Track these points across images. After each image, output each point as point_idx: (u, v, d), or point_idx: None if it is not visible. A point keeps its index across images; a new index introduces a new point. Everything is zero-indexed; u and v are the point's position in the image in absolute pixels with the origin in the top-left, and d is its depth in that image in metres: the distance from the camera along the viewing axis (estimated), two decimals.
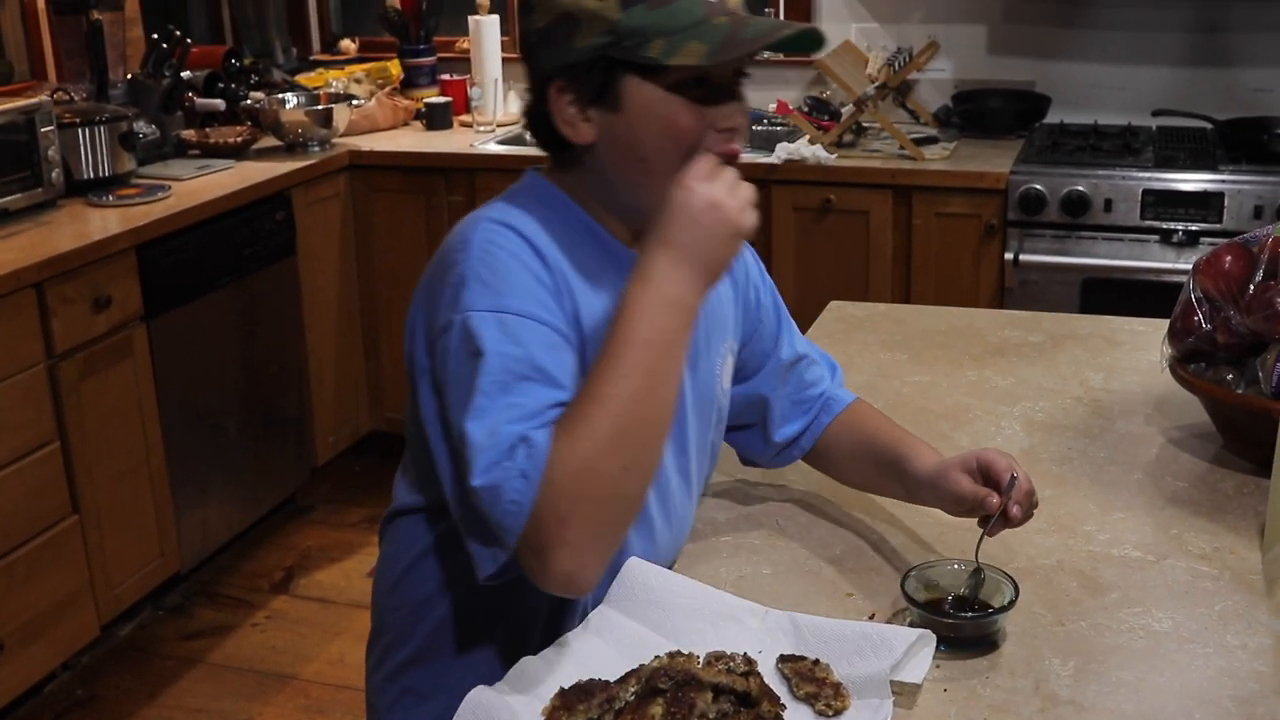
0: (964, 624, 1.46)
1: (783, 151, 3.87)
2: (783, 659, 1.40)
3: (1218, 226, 3.56)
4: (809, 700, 1.33)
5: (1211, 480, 1.86)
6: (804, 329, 2.50)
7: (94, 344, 3.23)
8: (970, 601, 1.49)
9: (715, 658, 1.37)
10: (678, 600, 1.49)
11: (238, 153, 4.11)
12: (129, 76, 4.08)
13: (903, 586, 1.49)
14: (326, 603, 3.77)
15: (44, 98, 3.51)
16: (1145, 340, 2.37)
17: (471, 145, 4.21)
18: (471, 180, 4.10)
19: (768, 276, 1.81)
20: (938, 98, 4.40)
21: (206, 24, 4.97)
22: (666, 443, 1.44)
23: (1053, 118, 4.24)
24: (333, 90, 4.59)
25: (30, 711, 3.27)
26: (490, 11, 4.60)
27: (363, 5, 5.34)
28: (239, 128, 4.25)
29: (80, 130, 3.60)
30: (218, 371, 3.74)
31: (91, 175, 3.64)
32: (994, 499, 1.51)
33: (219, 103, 4.28)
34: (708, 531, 1.76)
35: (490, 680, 1.37)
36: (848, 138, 4.05)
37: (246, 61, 4.65)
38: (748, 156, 3.98)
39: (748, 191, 1.41)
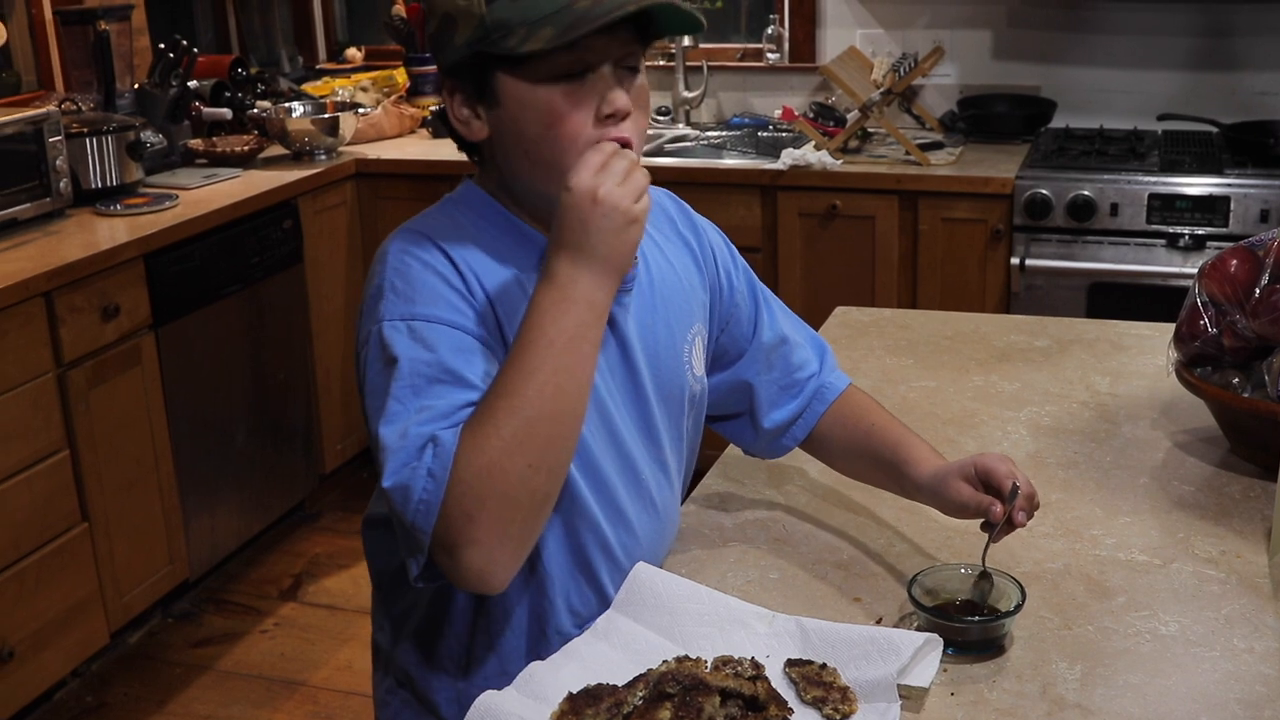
0: (971, 628, 1.46)
1: (788, 158, 3.88)
2: (790, 663, 1.40)
3: (1223, 230, 3.56)
4: (816, 704, 1.34)
5: (1218, 484, 1.87)
6: None
7: (103, 352, 3.24)
8: (977, 605, 1.50)
9: (723, 662, 1.38)
10: (685, 605, 1.50)
11: (245, 161, 4.12)
12: (136, 86, 4.10)
13: (910, 591, 1.49)
14: (335, 609, 3.78)
15: (52, 108, 3.53)
16: (1151, 344, 2.37)
17: None
18: None
19: (740, 259, 1.78)
20: (943, 103, 4.41)
21: (213, 33, 4.98)
22: (608, 444, 1.50)
23: (1058, 122, 4.24)
24: (339, 99, 4.60)
25: (40, 719, 3.28)
26: None
27: (368, 14, 5.36)
28: (246, 137, 4.26)
29: (88, 140, 3.62)
30: (226, 379, 3.75)
31: (99, 185, 3.65)
32: (997, 507, 1.51)
33: (226, 112, 4.30)
34: (715, 537, 1.76)
35: (482, 688, 1.39)
36: (853, 143, 4.05)
37: (253, 70, 4.68)
38: (753, 163, 4.00)
39: (639, 178, 1.38)
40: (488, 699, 1.33)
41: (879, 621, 1.53)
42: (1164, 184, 3.63)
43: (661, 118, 4.61)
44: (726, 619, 1.48)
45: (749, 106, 4.66)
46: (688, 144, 4.42)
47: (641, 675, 1.35)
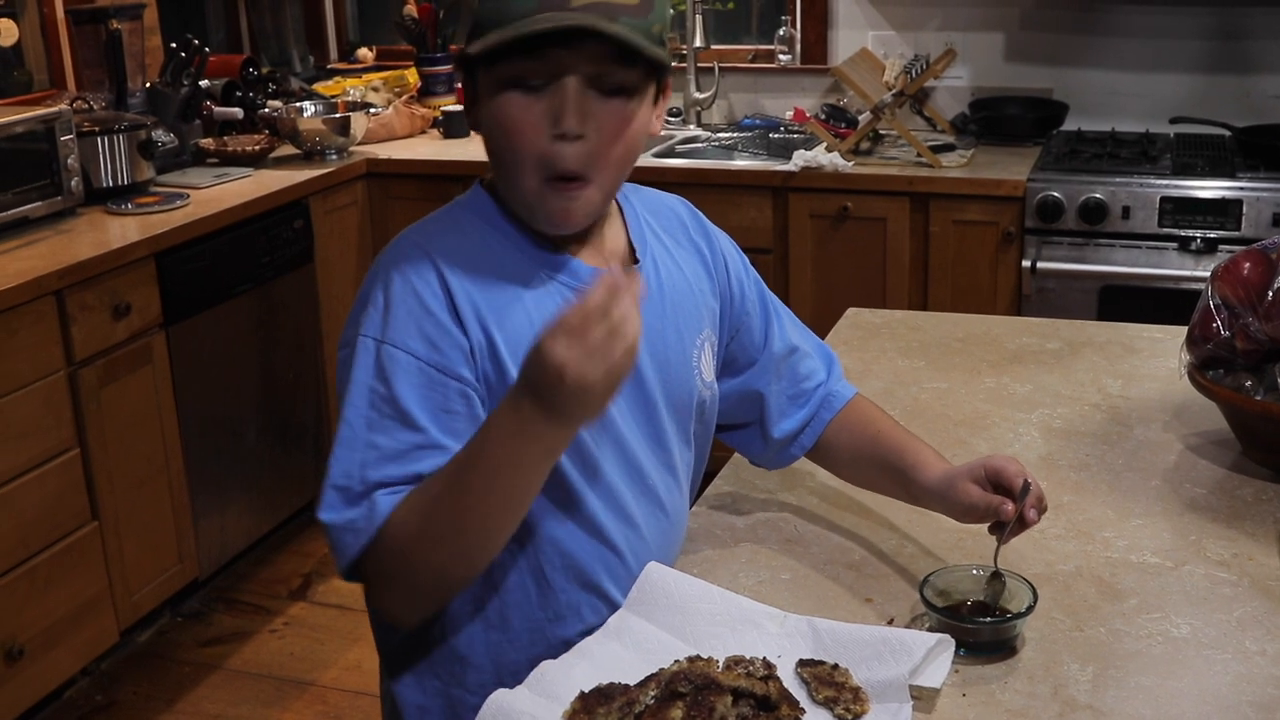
0: (983, 629, 1.46)
1: (800, 159, 3.87)
2: (802, 663, 1.40)
3: (1236, 234, 3.55)
4: (828, 704, 1.34)
5: (1230, 487, 1.86)
6: (821, 335, 2.50)
7: (113, 351, 3.25)
8: (989, 607, 1.49)
9: (734, 662, 1.37)
10: (697, 605, 1.49)
11: (256, 161, 4.12)
12: (148, 85, 4.10)
13: (921, 591, 1.49)
14: (344, 609, 3.78)
15: (63, 107, 3.53)
16: (1163, 347, 2.36)
17: None
18: None
19: (753, 270, 1.78)
20: (955, 105, 4.40)
21: (224, 33, 4.99)
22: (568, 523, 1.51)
23: (1070, 125, 4.24)
24: (350, 99, 4.60)
25: (50, 717, 3.28)
26: None
27: (380, 14, 5.36)
28: (257, 136, 4.27)
29: (99, 139, 3.62)
30: (236, 378, 3.75)
31: (110, 183, 3.66)
32: (1008, 506, 1.51)
33: (237, 111, 4.30)
34: (726, 537, 1.76)
35: (481, 690, 1.40)
36: (865, 145, 4.05)
37: (264, 70, 4.68)
38: (764, 164, 4.00)
39: (616, 348, 1.25)
40: (500, 697, 1.33)
41: (891, 622, 1.52)
42: (1176, 187, 3.62)
43: (673, 119, 4.61)
44: (738, 619, 1.48)
45: (760, 108, 4.66)
46: (699, 145, 4.42)
47: (653, 675, 1.35)
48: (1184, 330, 1.99)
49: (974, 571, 1.53)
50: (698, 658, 1.38)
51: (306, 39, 5.22)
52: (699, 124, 4.60)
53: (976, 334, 2.49)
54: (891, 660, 1.37)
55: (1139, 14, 4.20)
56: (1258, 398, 1.87)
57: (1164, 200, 3.62)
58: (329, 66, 5.22)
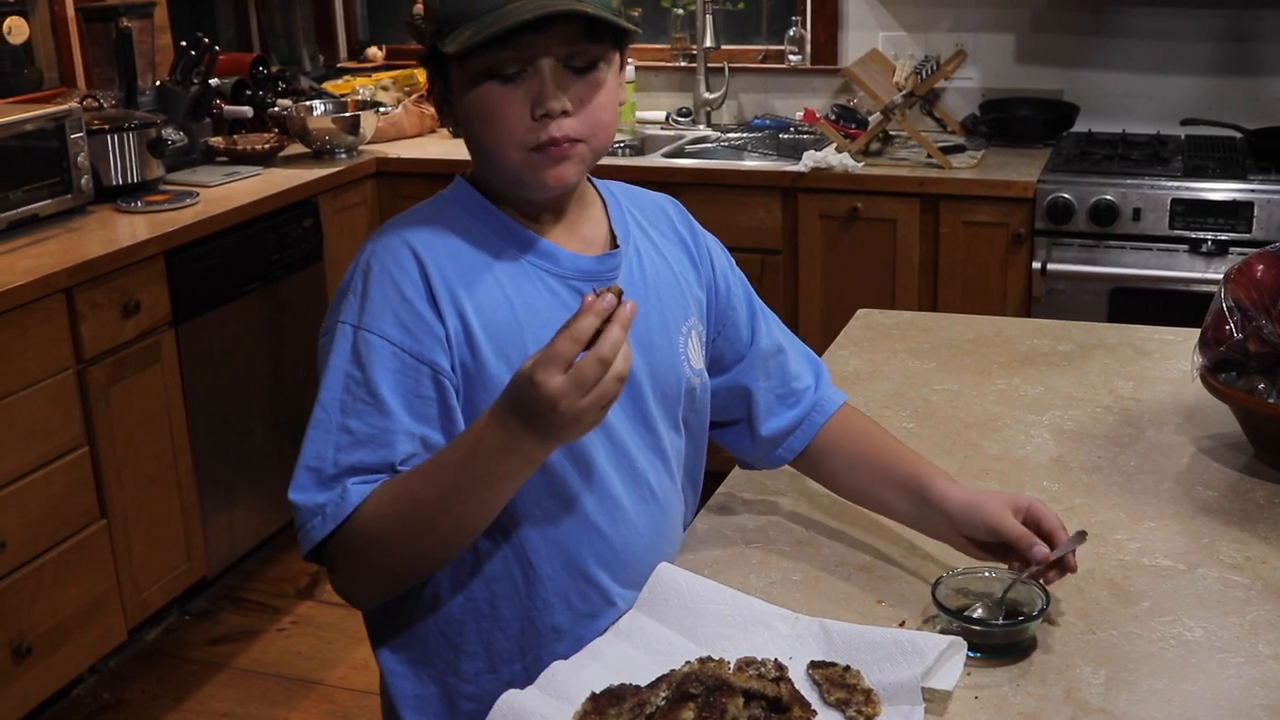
0: (995, 631, 1.46)
1: (810, 160, 3.87)
2: (813, 665, 1.39)
3: (1247, 236, 3.55)
4: (840, 706, 1.33)
5: (1242, 490, 1.86)
6: (831, 336, 2.52)
7: (123, 349, 3.25)
8: (1001, 609, 1.49)
9: (746, 663, 1.37)
10: (708, 606, 1.49)
11: (265, 159, 4.12)
12: (158, 83, 4.11)
13: (934, 593, 1.48)
14: (352, 609, 3.76)
15: (74, 104, 3.53)
16: (1174, 349, 2.36)
17: None
18: None
19: (738, 269, 1.79)
20: (965, 106, 4.40)
21: (234, 31, 4.99)
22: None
23: (1081, 126, 4.23)
24: (360, 98, 4.61)
25: (57, 715, 3.28)
26: None
27: (389, 13, 5.36)
28: (266, 135, 4.27)
29: (109, 137, 3.62)
30: (245, 377, 3.76)
31: (120, 181, 3.66)
32: (1044, 549, 1.51)
33: (247, 110, 4.30)
34: (737, 538, 1.76)
35: (481, 687, 1.40)
36: (875, 146, 4.04)
37: (274, 69, 4.69)
38: (774, 164, 3.99)
39: (608, 389, 1.30)
40: (510, 698, 1.33)
41: (902, 624, 1.52)
42: (1187, 189, 3.62)
43: (682, 119, 4.61)
44: (749, 620, 1.48)
45: (770, 108, 4.65)
46: (709, 145, 4.41)
47: (664, 675, 1.35)
48: (1195, 332, 1.99)
49: (986, 574, 1.53)
50: (709, 659, 1.38)
51: (316, 38, 5.23)
52: (709, 124, 4.59)
53: (987, 335, 2.48)
54: (903, 662, 1.37)
55: (1150, 16, 4.19)
56: (1270, 400, 1.86)
57: (1175, 202, 3.61)
58: (339, 65, 5.22)
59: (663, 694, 1.32)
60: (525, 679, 1.47)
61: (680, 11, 4.77)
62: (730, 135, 4.48)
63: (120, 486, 3.26)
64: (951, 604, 1.48)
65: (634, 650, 1.43)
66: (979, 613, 1.49)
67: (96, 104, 3.86)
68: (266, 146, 4.15)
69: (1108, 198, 3.64)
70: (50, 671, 3.12)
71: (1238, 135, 3.98)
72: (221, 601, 3.82)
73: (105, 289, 3.17)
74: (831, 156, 3.86)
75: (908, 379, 2.27)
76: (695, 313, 1.68)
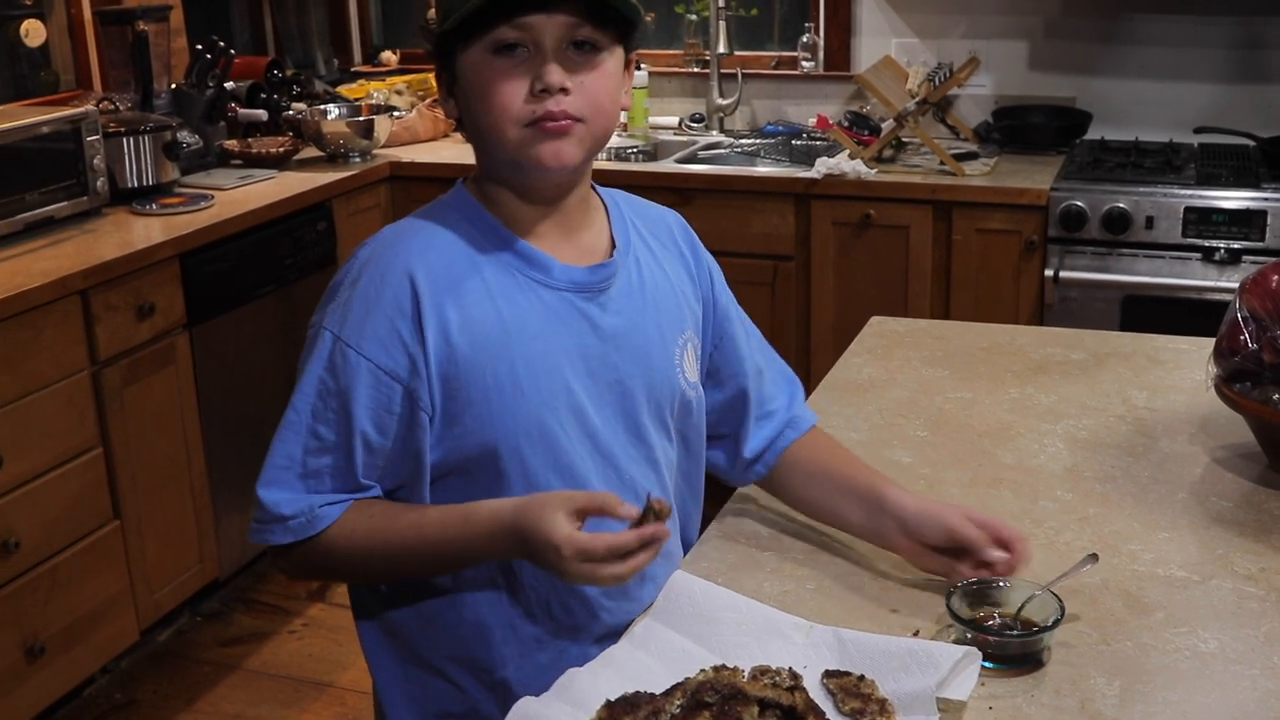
0: (1009, 641, 1.46)
1: (822, 166, 3.87)
2: (828, 674, 1.40)
3: (1260, 245, 3.54)
4: (854, 715, 1.33)
5: (1257, 500, 1.85)
6: (843, 342, 2.53)
7: (137, 351, 3.26)
8: (1015, 619, 1.49)
9: (760, 672, 1.38)
10: (723, 614, 1.50)
11: (280, 163, 4.13)
12: (173, 87, 4.12)
13: (948, 603, 1.49)
14: None
15: (90, 107, 3.54)
16: (1188, 359, 2.36)
17: None
18: None
19: (729, 290, 1.81)
20: (978, 113, 4.40)
21: (249, 35, 5.01)
22: None
23: (1094, 134, 4.22)
24: (374, 102, 4.62)
25: (69, 715, 3.29)
26: None
27: (404, 17, 5.37)
28: (281, 138, 4.28)
29: (125, 139, 3.64)
30: (258, 380, 3.76)
31: (136, 184, 3.67)
32: (997, 552, 1.55)
33: (261, 113, 4.31)
34: (752, 547, 1.76)
35: (466, 694, 1.42)
36: (888, 153, 4.04)
37: (289, 72, 4.70)
38: (787, 171, 4.00)
39: (605, 578, 1.41)
40: (525, 705, 1.34)
41: (916, 634, 1.52)
42: (1200, 197, 3.61)
43: (695, 125, 4.61)
44: (764, 629, 1.48)
45: (783, 114, 4.66)
46: (721, 151, 4.42)
47: (679, 684, 1.35)
48: (1209, 342, 1.98)
49: (1000, 584, 1.53)
50: (723, 667, 1.38)
51: (331, 42, 5.24)
52: (721, 130, 4.59)
53: (1000, 344, 2.48)
54: (918, 672, 1.37)
55: (1163, 23, 4.19)
56: None
57: (1188, 210, 3.60)
58: (353, 69, 5.23)
59: (677, 702, 1.32)
60: (506, 688, 1.49)
61: (694, 17, 4.77)
62: (743, 141, 4.48)
63: (134, 488, 3.27)
64: (966, 614, 1.48)
65: (649, 658, 1.44)
66: (993, 623, 1.49)
67: (112, 107, 3.87)
68: (281, 150, 4.16)
69: (1120, 206, 3.63)
70: (62, 671, 3.13)
71: (1251, 143, 3.97)
72: (233, 603, 3.83)
73: (120, 291, 3.18)
74: (844, 163, 3.86)
75: (921, 387, 2.28)
76: (691, 326, 1.70)
